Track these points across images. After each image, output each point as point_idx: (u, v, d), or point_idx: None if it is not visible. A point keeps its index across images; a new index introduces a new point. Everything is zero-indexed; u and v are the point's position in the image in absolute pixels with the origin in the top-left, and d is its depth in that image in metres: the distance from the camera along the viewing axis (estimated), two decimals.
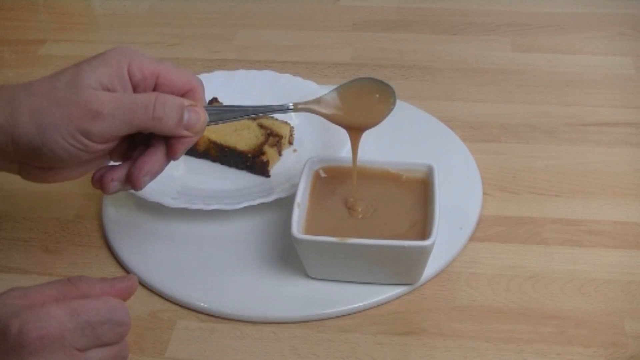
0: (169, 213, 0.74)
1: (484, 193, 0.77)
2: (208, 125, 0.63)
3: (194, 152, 0.82)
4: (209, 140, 0.80)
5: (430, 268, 0.68)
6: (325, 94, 0.71)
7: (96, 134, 0.58)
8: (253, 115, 0.68)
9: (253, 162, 0.79)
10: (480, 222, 0.74)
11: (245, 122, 0.82)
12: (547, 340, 0.63)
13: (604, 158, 0.82)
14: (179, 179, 0.80)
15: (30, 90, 0.59)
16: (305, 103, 0.69)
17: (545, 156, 0.82)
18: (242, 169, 0.80)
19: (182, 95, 0.62)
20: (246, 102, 0.83)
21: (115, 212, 0.77)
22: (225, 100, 0.85)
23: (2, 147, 0.59)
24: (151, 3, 1.16)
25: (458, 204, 0.74)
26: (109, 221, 0.76)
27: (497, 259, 0.71)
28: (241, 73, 0.90)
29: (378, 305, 0.67)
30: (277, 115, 0.83)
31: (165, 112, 0.59)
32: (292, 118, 0.85)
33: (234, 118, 0.67)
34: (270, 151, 0.79)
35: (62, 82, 0.59)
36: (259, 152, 0.79)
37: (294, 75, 0.89)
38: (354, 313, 0.66)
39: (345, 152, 0.77)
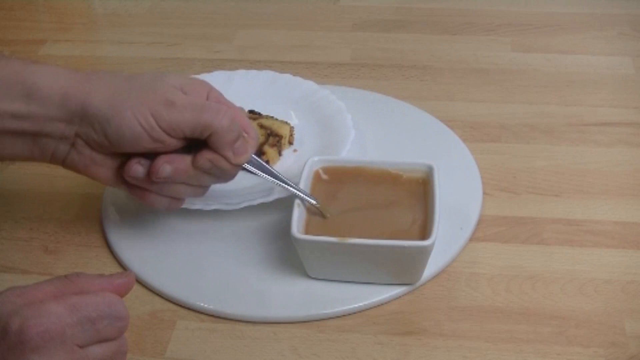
0: (169, 213, 0.74)
1: (484, 193, 0.77)
2: (242, 167, 0.67)
3: None
4: None
5: (430, 268, 0.68)
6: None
7: (165, 118, 0.61)
8: (282, 185, 0.69)
9: None
10: (480, 222, 0.74)
11: None
12: (547, 340, 0.63)
13: (604, 158, 0.82)
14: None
15: (111, 73, 0.64)
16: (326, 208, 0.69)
17: (545, 156, 0.82)
18: (242, 169, 0.80)
19: None
20: (246, 103, 0.84)
21: (115, 212, 0.77)
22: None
23: (71, 114, 0.61)
24: (151, 3, 1.16)
25: (458, 204, 0.74)
26: (109, 221, 0.76)
27: (497, 259, 0.71)
28: (241, 73, 0.90)
29: (378, 305, 0.67)
30: (277, 115, 0.83)
31: (231, 124, 0.63)
32: (292, 118, 0.85)
33: (264, 177, 0.69)
34: (270, 151, 0.79)
35: (146, 75, 0.65)
36: (259, 152, 0.79)
37: (294, 75, 0.89)
38: (354, 313, 0.66)
39: (346, 152, 0.77)
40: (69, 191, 0.81)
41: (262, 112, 0.83)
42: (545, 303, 0.66)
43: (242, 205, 0.73)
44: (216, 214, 0.73)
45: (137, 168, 0.64)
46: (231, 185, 0.78)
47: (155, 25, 1.11)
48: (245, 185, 0.78)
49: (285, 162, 0.81)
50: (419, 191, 0.70)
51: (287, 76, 0.89)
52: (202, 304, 0.67)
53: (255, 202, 0.73)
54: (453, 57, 1.00)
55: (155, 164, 0.64)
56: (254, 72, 0.90)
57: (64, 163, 0.65)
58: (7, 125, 0.62)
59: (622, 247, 0.71)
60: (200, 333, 0.65)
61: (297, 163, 0.78)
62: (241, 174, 0.79)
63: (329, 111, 0.84)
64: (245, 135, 0.66)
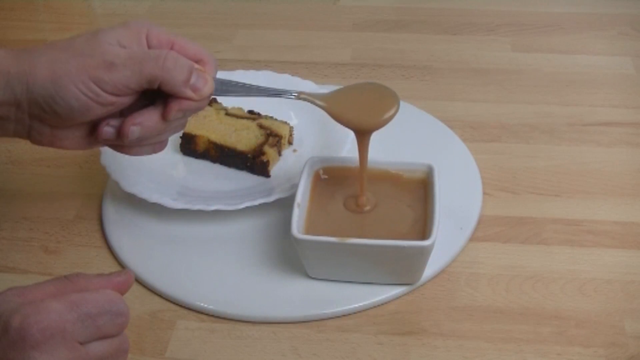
0: (169, 213, 0.74)
1: (484, 193, 0.77)
2: (213, 95, 0.65)
3: (194, 152, 0.82)
4: (208, 140, 0.80)
5: (430, 268, 0.68)
6: (329, 92, 0.70)
7: (108, 82, 0.60)
8: (255, 95, 0.68)
9: (253, 163, 0.79)
10: (480, 222, 0.74)
11: (245, 122, 0.82)
12: (547, 340, 0.63)
13: (604, 158, 0.82)
14: (179, 179, 0.80)
15: (50, 45, 0.62)
16: (310, 94, 0.69)
17: (545, 156, 0.82)
18: (242, 169, 0.80)
19: None
20: (245, 103, 0.84)
21: (115, 212, 0.77)
22: (224, 101, 0.85)
23: (17, 97, 0.60)
24: (151, 3, 1.16)
25: (458, 204, 0.74)
26: (109, 221, 0.76)
27: (497, 259, 0.71)
28: (240, 73, 0.90)
29: (378, 305, 0.67)
30: (276, 115, 0.83)
31: (175, 65, 0.61)
32: (292, 118, 0.85)
33: (238, 94, 0.67)
34: (270, 151, 0.79)
35: (82, 38, 0.62)
36: (259, 152, 0.79)
37: (293, 75, 0.89)
38: (354, 313, 0.66)
39: (345, 152, 0.77)
40: (69, 191, 0.81)
41: (261, 112, 0.83)
42: (545, 303, 0.66)
43: (243, 206, 0.73)
44: (217, 214, 0.73)
45: (107, 130, 0.63)
46: (232, 185, 0.78)
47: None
48: (246, 185, 0.78)
49: (285, 162, 0.81)
50: (419, 191, 0.70)
51: (286, 76, 0.89)
52: (202, 304, 0.67)
53: (255, 203, 0.73)
54: (453, 57, 1.00)
55: (123, 129, 0.62)
56: (252, 72, 0.90)
57: (30, 140, 0.64)
58: None
59: (622, 247, 0.71)
60: (200, 333, 0.65)
61: (297, 163, 0.78)
62: (241, 175, 0.80)
63: None
64: (197, 66, 0.63)
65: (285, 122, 0.83)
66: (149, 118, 0.62)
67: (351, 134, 0.79)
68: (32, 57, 0.60)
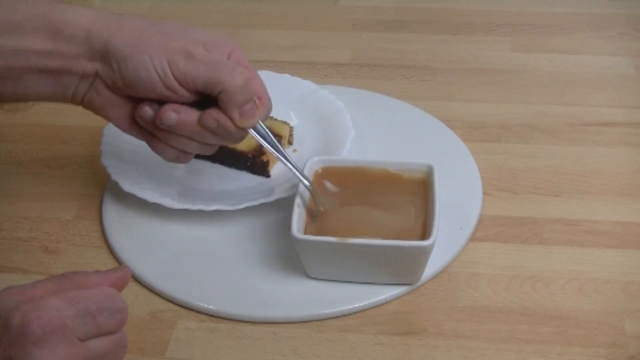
0: (169, 213, 0.74)
1: (484, 193, 0.77)
2: (250, 132, 0.66)
3: None
4: None
5: (430, 268, 0.68)
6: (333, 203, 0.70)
7: (180, 69, 0.62)
8: (282, 159, 0.69)
9: (253, 163, 0.79)
10: (480, 222, 0.74)
11: None
12: (547, 340, 0.63)
13: (604, 158, 0.82)
14: (179, 179, 0.80)
15: (140, 17, 0.66)
16: (317, 195, 0.69)
17: (545, 156, 0.82)
18: (242, 169, 0.80)
19: None
20: None
21: (115, 212, 0.76)
22: None
23: (93, 51, 0.63)
24: (151, 3, 1.16)
25: (458, 204, 0.74)
26: (109, 221, 0.76)
27: (497, 259, 0.71)
28: None
29: (378, 305, 0.67)
30: (276, 115, 0.83)
31: (244, 84, 0.63)
32: (292, 118, 0.85)
33: (268, 144, 0.68)
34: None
35: (173, 23, 0.66)
36: (259, 152, 0.79)
37: (293, 75, 0.89)
38: (354, 313, 0.66)
39: (345, 152, 0.77)
40: (69, 191, 0.81)
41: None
42: (545, 303, 0.66)
43: (243, 206, 0.73)
44: (217, 214, 0.73)
45: (147, 110, 0.65)
46: (232, 185, 0.78)
47: None
48: (246, 185, 0.78)
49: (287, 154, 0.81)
50: (419, 191, 0.70)
51: (286, 76, 0.89)
52: (202, 304, 0.67)
53: (256, 203, 0.73)
54: (453, 57, 1.00)
55: (162, 109, 0.64)
56: None
57: (83, 102, 0.66)
58: (32, 62, 0.63)
59: (622, 247, 0.71)
60: (200, 333, 0.65)
61: (297, 163, 0.78)
62: (242, 175, 0.80)
63: (328, 111, 0.84)
64: (257, 100, 0.66)
65: (285, 122, 0.83)
66: (188, 113, 0.64)
67: (351, 134, 0.80)
68: (120, 19, 0.64)
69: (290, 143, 0.83)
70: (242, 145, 0.79)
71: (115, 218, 0.76)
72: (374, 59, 1.00)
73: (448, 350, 0.63)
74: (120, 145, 0.80)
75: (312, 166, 0.72)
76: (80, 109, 0.67)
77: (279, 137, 0.81)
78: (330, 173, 0.73)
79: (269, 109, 0.68)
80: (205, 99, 0.64)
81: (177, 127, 0.65)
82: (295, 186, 0.70)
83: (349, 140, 0.78)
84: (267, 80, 0.87)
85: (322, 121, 0.83)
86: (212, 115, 0.64)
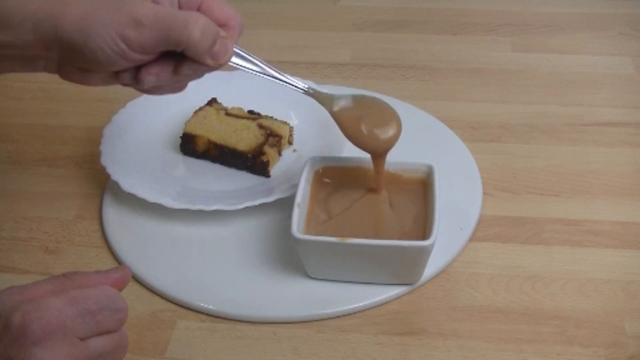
0: (169, 213, 0.74)
1: (484, 193, 0.77)
2: (228, 63, 0.65)
3: (194, 152, 0.82)
4: (208, 140, 0.80)
5: (430, 268, 0.68)
6: (341, 97, 0.70)
7: (134, 41, 0.60)
8: (267, 76, 0.68)
9: (253, 163, 0.79)
10: (480, 222, 0.74)
11: (245, 122, 0.82)
12: (547, 340, 0.63)
13: (604, 158, 0.82)
14: (179, 179, 0.80)
15: None
16: (318, 92, 0.69)
17: (545, 156, 0.82)
18: (242, 169, 0.80)
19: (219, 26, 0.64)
20: (245, 103, 0.84)
21: (115, 212, 0.76)
22: (224, 101, 0.85)
23: (46, 40, 0.60)
24: None
25: (458, 204, 0.74)
26: (109, 221, 0.76)
27: (497, 259, 0.71)
28: (240, 73, 0.89)
29: (378, 305, 0.67)
30: (276, 115, 0.83)
31: (202, 35, 0.61)
32: (292, 118, 0.85)
33: (251, 68, 0.67)
34: (270, 151, 0.79)
35: None
36: (259, 152, 0.79)
37: (293, 75, 0.89)
38: (354, 313, 0.66)
39: (346, 152, 0.77)
40: (69, 191, 0.81)
41: (261, 112, 0.83)
42: (545, 303, 0.66)
43: (243, 206, 0.73)
44: (217, 214, 0.73)
45: (125, 75, 0.64)
46: (232, 185, 0.78)
47: None
48: (246, 185, 0.78)
49: (285, 162, 0.81)
50: (419, 191, 0.70)
51: (286, 76, 0.89)
52: (202, 304, 0.67)
53: (256, 203, 0.73)
54: (453, 57, 1.00)
55: (139, 76, 0.63)
56: None
57: (60, 75, 0.65)
58: None
59: (622, 247, 0.71)
60: (200, 333, 0.65)
61: (297, 163, 0.79)
62: (242, 175, 0.80)
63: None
64: (223, 33, 0.63)
65: (285, 122, 0.83)
66: (163, 69, 0.63)
67: None
68: (62, 3, 0.61)
69: (290, 143, 0.83)
70: (242, 145, 0.80)
71: (115, 218, 0.76)
72: (374, 59, 1.00)
73: (448, 350, 0.63)
74: (120, 145, 0.80)
75: (312, 166, 0.72)
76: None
77: (279, 137, 0.81)
78: (330, 173, 0.73)
79: (239, 31, 0.66)
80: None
81: (157, 84, 0.64)
82: (295, 186, 0.70)
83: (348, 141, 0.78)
84: (267, 80, 0.88)
85: (322, 121, 0.83)
86: (187, 66, 0.63)
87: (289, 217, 0.66)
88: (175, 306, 0.68)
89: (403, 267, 0.66)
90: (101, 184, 0.80)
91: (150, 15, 0.60)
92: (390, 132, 0.69)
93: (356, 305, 0.66)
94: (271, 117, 0.83)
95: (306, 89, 0.68)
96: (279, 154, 0.81)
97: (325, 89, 0.86)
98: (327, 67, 0.99)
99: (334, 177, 0.72)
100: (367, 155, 0.70)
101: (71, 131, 0.89)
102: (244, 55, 0.67)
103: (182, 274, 0.70)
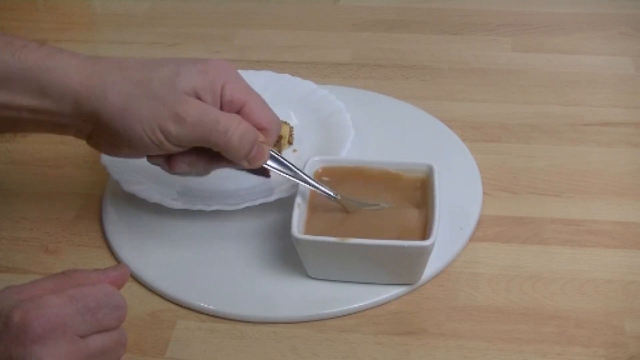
0: (169, 213, 0.74)
1: (484, 193, 0.77)
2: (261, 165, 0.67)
3: None
4: None
5: (430, 268, 0.68)
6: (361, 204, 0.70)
7: (174, 136, 0.61)
8: (300, 181, 0.69)
9: None
10: (480, 222, 0.74)
11: None
12: (547, 340, 0.63)
13: (604, 158, 0.82)
14: (179, 179, 0.79)
15: (126, 73, 0.62)
16: (346, 200, 0.69)
17: (545, 156, 0.82)
18: (242, 169, 0.80)
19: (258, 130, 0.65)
20: None
21: (115, 212, 0.76)
22: None
23: (85, 113, 0.61)
24: (151, 3, 1.16)
25: (458, 204, 0.74)
26: (109, 221, 0.76)
27: (497, 259, 0.71)
28: (241, 73, 0.89)
29: (378, 305, 0.67)
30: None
31: (240, 142, 0.63)
32: (292, 118, 0.85)
33: (284, 173, 0.68)
34: None
35: (159, 77, 0.62)
36: None
37: (293, 75, 0.89)
38: (354, 313, 0.66)
39: (345, 152, 0.77)
40: (69, 191, 0.81)
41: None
42: (545, 303, 0.66)
43: (243, 206, 0.73)
44: (217, 214, 0.73)
45: (158, 159, 0.66)
46: (232, 185, 0.78)
47: (155, 25, 1.11)
48: (246, 185, 0.78)
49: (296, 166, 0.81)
50: (419, 191, 0.70)
51: (286, 76, 0.89)
52: (202, 304, 0.67)
53: (256, 203, 0.73)
54: (453, 57, 1.00)
55: (172, 163, 0.65)
56: (253, 72, 0.90)
57: (88, 143, 0.66)
58: (24, 116, 0.62)
59: (622, 247, 0.71)
60: (200, 333, 0.65)
61: (297, 163, 0.78)
62: (242, 175, 0.80)
63: (328, 111, 0.84)
64: (262, 138, 0.65)
65: (285, 122, 0.83)
66: (197, 160, 0.65)
67: (351, 134, 0.79)
68: (105, 83, 0.61)
69: (290, 143, 0.83)
70: None
71: (115, 218, 0.76)
72: (374, 59, 1.00)
73: (448, 350, 0.63)
74: None
75: (312, 166, 0.72)
76: None
77: (279, 137, 0.80)
78: (330, 173, 0.73)
79: (277, 132, 0.67)
80: None
81: (189, 171, 0.66)
82: (296, 186, 0.70)
83: (349, 140, 0.78)
84: (267, 80, 0.88)
85: (322, 121, 0.83)
86: (222, 164, 0.66)
87: (289, 217, 0.66)
88: (175, 306, 0.68)
89: (403, 267, 0.66)
90: (101, 184, 0.80)
91: (194, 115, 0.61)
92: None
93: (356, 305, 0.66)
94: None
95: (335, 196, 0.69)
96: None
97: (325, 89, 0.87)
98: (327, 67, 0.99)
99: (334, 177, 0.72)
100: (368, 155, 0.70)
101: None
102: (278, 158, 0.68)
103: (182, 274, 0.70)
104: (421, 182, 0.71)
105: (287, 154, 0.82)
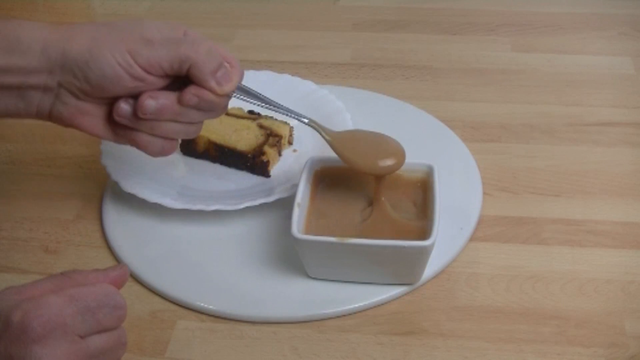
0: (169, 213, 0.74)
1: (484, 193, 0.77)
2: (231, 96, 0.66)
3: (194, 152, 0.82)
4: (208, 140, 0.80)
5: (430, 268, 0.68)
6: (339, 131, 0.72)
7: (143, 55, 0.62)
8: (271, 107, 0.70)
9: (253, 163, 0.79)
10: (480, 222, 0.74)
11: (245, 122, 0.82)
12: (547, 340, 0.63)
13: (604, 158, 0.82)
14: (179, 179, 0.80)
15: (93, 22, 0.65)
16: (319, 125, 0.70)
17: (545, 156, 0.82)
18: (242, 169, 0.80)
19: None
20: (245, 103, 0.83)
21: (115, 212, 0.76)
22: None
23: (51, 63, 0.62)
24: (151, 3, 1.16)
25: (458, 204, 0.74)
26: (109, 221, 0.76)
27: (497, 259, 0.71)
28: None
29: (378, 305, 0.67)
30: (276, 115, 0.83)
31: (209, 53, 0.63)
32: (292, 118, 0.85)
33: (254, 102, 0.69)
34: (270, 151, 0.79)
35: (125, 20, 0.65)
36: (259, 152, 0.79)
37: (293, 75, 0.89)
38: (354, 313, 0.66)
39: None
40: (69, 191, 0.81)
41: (261, 113, 0.83)
42: (545, 303, 0.66)
43: (243, 206, 0.73)
44: (217, 214, 0.73)
45: (124, 106, 0.64)
46: (232, 185, 0.78)
47: None
48: (246, 185, 0.78)
49: (285, 162, 0.81)
50: (419, 191, 0.70)
51: (286, 76, 0.89)
52: (202, 304, 0.67)
53: (256, 203, 0.73)
54: (453, 57, 1.00)
55: (140, 100, 0.63)
56: (252, 72, 0.90)
57: (50, 116, 0.65)
58: None
59: (622, 247, 0.71)
60: (200, 333, 0.65)
61: (297, 163, 0.78)
62: (242, 175, 0.80)
63: (328, 111, 0.84)
64: (227, 64, 0.65)
65: (285, 122, 0.83)
66: (166, 96, 0.64)
67: None
68: (72, 27, 0.63)
69: (290, 143, 0.83)
70: (242, 145, 0.80)
71: (115, 218, 0.76)
72: (374, 59, 1.00)
73: (448, 350, 0.63)
74: (121, 145, 0.79)
75: (312, 166, 0.72)
76: None
77: (279, 137, 0.81)
78: (330, 173, 0.73)
79: (241, 71, 0.67)
80: (176, 83, 0.64)
81: (158, 112, 0.64)
82: (295, 186, 0.70)
83: None
84: (267, 80, 0.88)
85: (322, 121, 0.83)
86: (190, 91, 0.63)
87: (289, 217, 0.66)
88: (175, 306, 0.68)
89: (403, 267, 0.66)
90: (101, 184, 0.80)
91: (159, 36, 0.63)
92: (388, 159, 0.69)
93: (356, 305, 0.66)
94: (271, 117, 0.83)
95: (307, 122, 0.71)
96: (279, 154, 0.81)
97: (325, 89, 0.87)
98: (327, 67, 0.99)
99: (333, 177, 0.72)
100: None
101: (71, 131, 0.88)
102: (246, 89, 0.69)
103: (182, 274, 0.70)
104: (421, 182, 0.71)
105: (287, 154, 0.82)
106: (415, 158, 0.72)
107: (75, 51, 0.61)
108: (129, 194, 0.75)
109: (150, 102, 0.63)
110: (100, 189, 0.80)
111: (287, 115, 0.71)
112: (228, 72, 0.64)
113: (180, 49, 0.62)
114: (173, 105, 0.64)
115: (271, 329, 0.65)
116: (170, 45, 0.63)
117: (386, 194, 0.70)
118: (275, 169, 0.80)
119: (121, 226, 0.75)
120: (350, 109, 0.83)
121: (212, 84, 0.63)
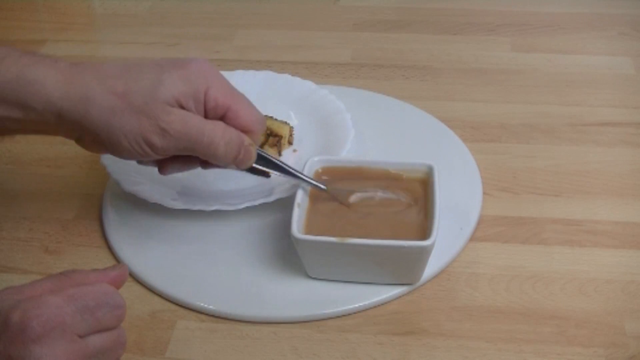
0: (169, 213, 0.74)
1: (484, 193, 0.77)
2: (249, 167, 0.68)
3: None
4: None
5: (430, 268, 0.68)
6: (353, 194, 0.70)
7: (159, 147, 0.62)
8: (286, 175, 0.70)
9: None
10: (480, 222, 0.74)
11: None
12: (547, 340, 0.63)
13: (604, 158, 0.82)
14: (179, 179, 0.79)
15: (106, 84, 0.61)
16: (336, 190, 0.70)
17: (545, 156, 0.82)
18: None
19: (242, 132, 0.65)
20: None
21: (115, 212, 0.76)
22: None
23: (69, 123, 0.62)
24: (151, 3, 1.16)
25: (458, 204, 0.74)
26: (109, 221, 0.76)
27: (497, 259, 0.71)
28: (239, 73, 0.90)
29: (378, 305, 0.67)
30: (276, 115, 0.83)
31: (226, 150, 0.64)
32: (292, 118, 0.85)
33: (272, 171, 0.69)
34: (270, 151, 0.79)
35: (140, 88, 0.61)
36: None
37: (293, 75, 0.89)
38: (354, 313, 0.66)
39: (346, 152, 0.77)
40: (69, 191, 0.81)
41: (261, 112, 0.83)
42: (545, 303, 0.66)
43: (243, 206, 0.73)
44: (217, 214, 0.73)
45: (146, 163, 0.67)
46: (232, 185, 0.78)
47: (155, 25, 1.11)
48: (246, 185, 0.78)
49: (285, 162, 0.81)
50: (419, 191, 0.70)
51: (286, 76, 0.89)
52: (202, 304, 0.67)
53: (256, 203, 0.73)
54: (453, 57, 1.00)
55: (163, 167, 0.67)
56: (252, 72, 0.90)
57: (78, 143, 0.65)
58: (7, 125, 0.62)
59: (622, 247, 0.71)
60: (200, 333, 0.65)
61: (297, 163, 0.78)
62: (242, 175, 0.80)
63: (328, 111, 0.84)
64: (248, 142, 0.65)
65: (285, 122, 0.83)
66: (187, 163, 0.67)
67: (351, 134, 0.79)
68: (86, 97, 0.61)
69: (290, 143, 0.83)
70: None
71: (115, 218, 0.76)
72: (374, 59, 1.00)
73: (448, 350, 0.63)
74: None
75: (312, 166, 0.72)
76: None
77: (279, 137, 0.81)
78: (330, 173, 0.73)
79: (262, 131, 0.67)
80: None
81: (180, 172, 0.68)
82: (296, 186, 0.70)
83: (349, 140, 0.78)
84: (267, 80, 0.88)
85: (322, 121, 0.83)
86: (211, 166, 0.67)
87: (289, 217, 0.66)
88: (175, 306, 0.68)
89: (403, 267, 0.66)
90: (101, 184, 0.80)
91: (177, 127, 0.62)
92: None
93: (356, 305, 0.66)
94: (271, 117, 0.83)
95: (325, 188, 0.70)
96: (279, 154, 0.81)
97: (325, 89, 0.87)
98: (327, 67, 0.99)
99: (334, 177, 0.72)
100: (368, 155, 0.70)
101: None
102: (266, 156, 0.69)
103: (182, 274, 0.70)
104: (421, 182, 0.71)
105: (287, 154, 0.82)
106: (415, 158, 0.72)
107: (93, 129, 0.61)
108: (129, 193, 0.75)
109: (171, 171, 0.67)
110: (100, 189, 0.80)
111: (304, 181, 0.70)
112: (247, 152, 0.65)
113: (197, 148, 0.63)
114: (196, 166, 0.67)
115: (271, 329, 0.65)
116: (187, 142, 0.62)
117: (386, 194, 0.70)
118: None
119: (121, 226, 0.75)
120: (350, 109, 0.83)
121: (232, 167, 0.66)
